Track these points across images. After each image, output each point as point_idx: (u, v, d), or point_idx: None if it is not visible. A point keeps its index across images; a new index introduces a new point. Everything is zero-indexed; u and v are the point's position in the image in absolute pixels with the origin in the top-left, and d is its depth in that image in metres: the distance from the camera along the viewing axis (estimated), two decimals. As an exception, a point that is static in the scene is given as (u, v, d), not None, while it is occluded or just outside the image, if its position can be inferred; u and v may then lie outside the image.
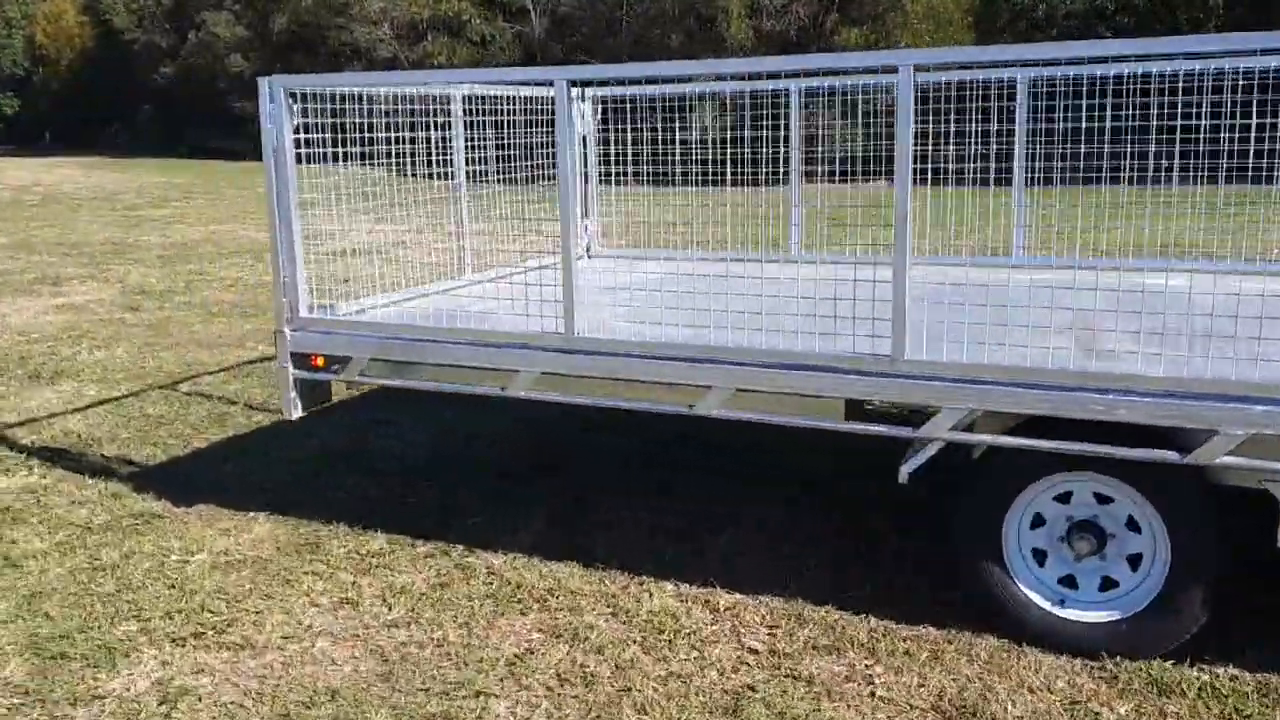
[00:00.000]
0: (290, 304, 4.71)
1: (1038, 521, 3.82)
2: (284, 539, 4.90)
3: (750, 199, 6.60)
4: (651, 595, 4.29)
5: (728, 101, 6.64)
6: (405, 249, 5.89)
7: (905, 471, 3.80)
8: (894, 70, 3.51)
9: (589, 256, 6.83)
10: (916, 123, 3.52)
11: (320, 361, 4.74)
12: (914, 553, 4.59)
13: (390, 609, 4.23)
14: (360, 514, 5.15)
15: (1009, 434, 3.64)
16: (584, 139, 6.72)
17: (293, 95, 4.52)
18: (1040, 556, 3.84)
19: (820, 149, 6.34)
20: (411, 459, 6.03)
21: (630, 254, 6.75)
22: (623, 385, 4.17)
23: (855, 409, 3.93)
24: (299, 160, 4.58)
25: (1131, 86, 5.32)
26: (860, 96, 6.09)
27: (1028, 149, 5.72)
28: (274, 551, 4.77)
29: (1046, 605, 3.80)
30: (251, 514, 5.19)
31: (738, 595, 4.27)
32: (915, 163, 3.55)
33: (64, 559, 4.71)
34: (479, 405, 6.75)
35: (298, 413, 4.81)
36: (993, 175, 5.82)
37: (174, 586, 4.43)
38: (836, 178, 6.49)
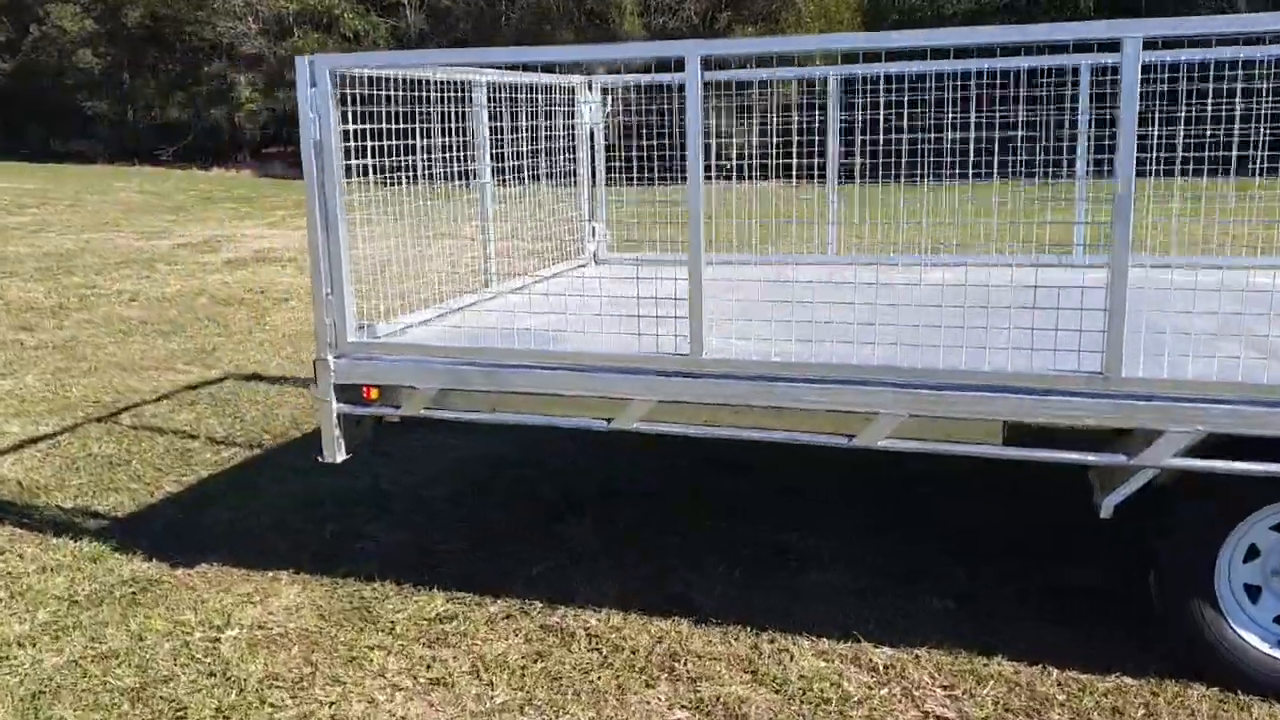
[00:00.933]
0: (335, 326, 3.95)
1: (1251, 554, 3.41)
2: (324, 604, 4.13)
3: (780, 194, 6.07)
4: (791, 655, 3.71)
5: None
6: (427, 255, 5.16)
7: (1109, 504, 3.33)
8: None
9: (595, 263, 6.20)
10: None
11: (374, 394, 3.99)
12: (1058, 586, 4.14)
13: (493, 688, 3.54)
14: (401, 568, 4.41)
15: (1235, 458, 3.20)
16: (592, 132, 6.10)
17: (338, 79, 3.78)
18: (1254, 593, 3.42)
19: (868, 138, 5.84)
20: (432, 496, 5.29)
21: (653, 258, 6.14)
22: (761, 413, 3.58)
23: (1016, 432, 3.45)
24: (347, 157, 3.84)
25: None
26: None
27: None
28: (318, 621, 4.01)
29: (1264, 647, 3.38)
30: (271, 573, 4.40)
31: (888, 649, 3.73)
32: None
33: (59, 643, 3.85)
34: (487, 430, 6.06)
35: (341, 455, 4.05)
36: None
37: (214, 675, 3.64)
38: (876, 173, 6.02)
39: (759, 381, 3.53)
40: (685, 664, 3.67)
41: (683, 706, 3.43)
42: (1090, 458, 3.31)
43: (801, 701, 3.44)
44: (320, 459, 4.06)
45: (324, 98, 3.77)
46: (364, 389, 3.99)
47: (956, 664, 3.62)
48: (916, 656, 3.68)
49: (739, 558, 4.44)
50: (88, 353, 8.55)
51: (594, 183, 6.17)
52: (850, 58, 6.25)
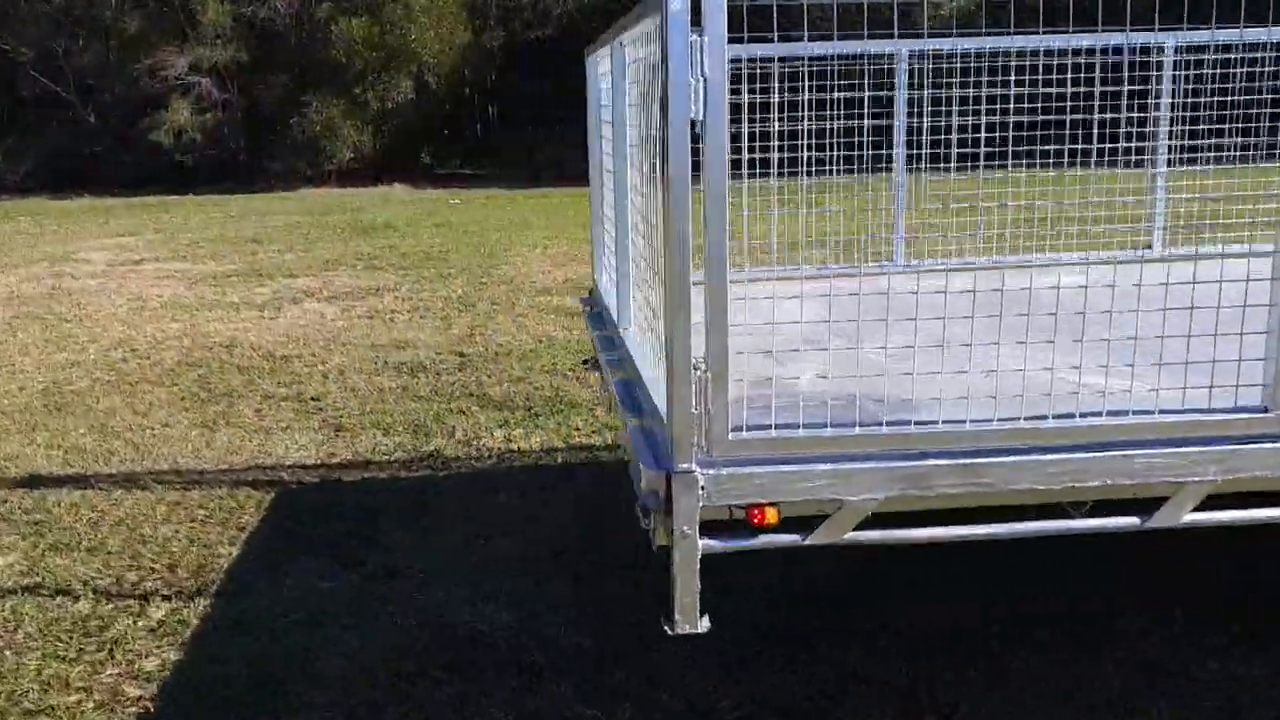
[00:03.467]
0: (704, 418, 2.46)
1: None
2: None
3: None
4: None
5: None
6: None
7: None
8: None
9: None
10: None
11: (771, 517, 2.54)
12: None
13: None
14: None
15: None
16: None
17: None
18: None
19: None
20: (520, 638, 3.75)
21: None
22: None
23: None
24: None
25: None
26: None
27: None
28: None
29: None
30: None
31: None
32: None
33: None
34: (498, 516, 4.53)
35: (704, 623, 2.56)
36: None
37: None
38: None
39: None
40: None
41: None
42: None
43: None
44: (672, 629, 2.54)
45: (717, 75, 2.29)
46: (752, 511, 2.54)
47: None
48: None
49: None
50: None
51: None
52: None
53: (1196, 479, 2.59)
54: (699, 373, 2.44)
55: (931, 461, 2.53)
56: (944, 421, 2.56)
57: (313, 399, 6.99)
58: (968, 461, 2.54)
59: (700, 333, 2.41)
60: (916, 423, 2.57)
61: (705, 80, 2.30)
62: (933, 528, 2.64)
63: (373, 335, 8.88)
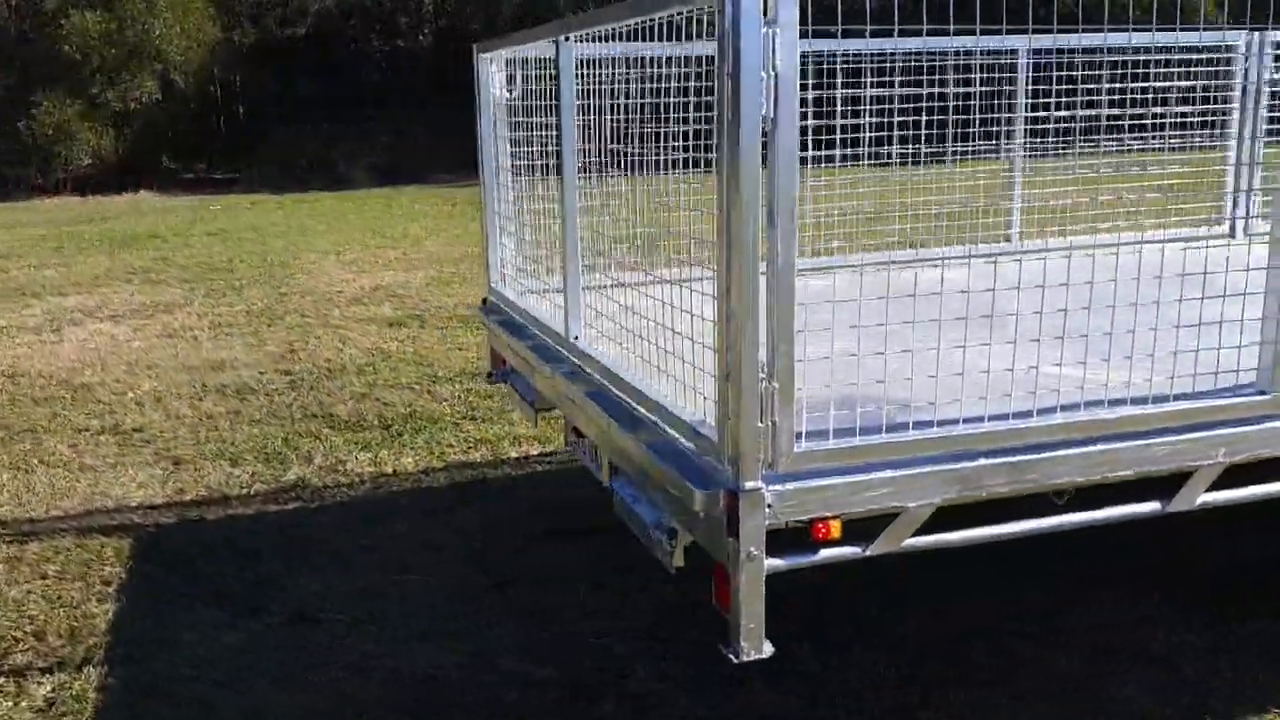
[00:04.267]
0: (772, 430, 2.33)
1: None
2: None
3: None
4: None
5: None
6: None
7: None
8: None
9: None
10: None
11: (835, 530, 2.43)
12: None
13: None
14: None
15: None
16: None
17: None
18: None
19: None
20: (479, 676, 3.51)
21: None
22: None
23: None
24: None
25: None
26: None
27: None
28: None
29: None
30: None
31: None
32: None
33: None
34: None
35: (768, 647, 2.42)
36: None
37: None
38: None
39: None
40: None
41: None
42: None
43: None
44: (738, 657, 2.40)
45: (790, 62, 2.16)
46: (816, 526, 2.42)
47: None
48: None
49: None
50: None
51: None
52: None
53: (1209, 461, 2.69)
54: (765, 384, 2.31)
55: (982, 461, 2.51)
56: (989, 418, 2.55)
57: (135, 430, 6.30)
58: (1016, 459, 2.53)
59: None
60: (964, 420, 2.54)
61: (777, 75, 2.18)
62: (969, 529, 2.62)
63: (180, 356, 8.13)
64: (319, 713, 3.31)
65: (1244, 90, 5.36)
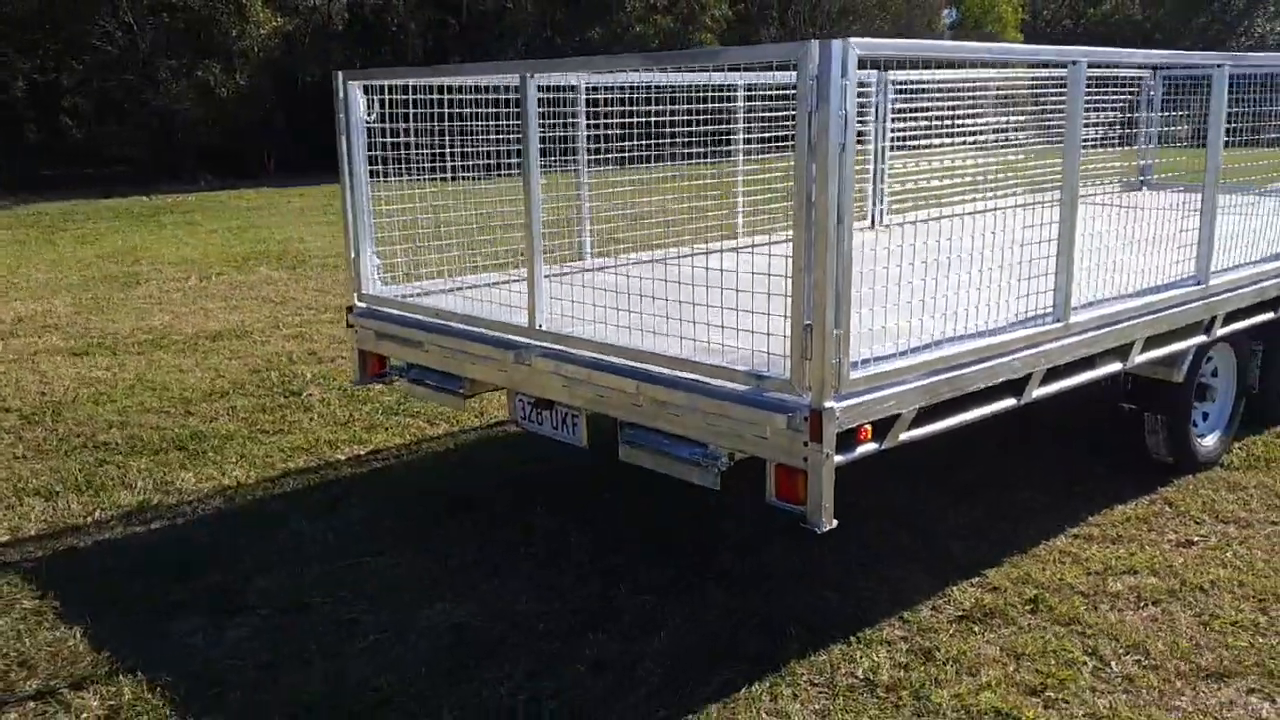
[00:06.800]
0: (840, 361, 3.30)
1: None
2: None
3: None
4: None
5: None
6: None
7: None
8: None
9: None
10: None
11: (869, 434, 3.45)
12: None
13: None
14: None
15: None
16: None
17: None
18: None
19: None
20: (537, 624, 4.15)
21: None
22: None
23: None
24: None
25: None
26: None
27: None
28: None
29: (1196, 441, 5.51)
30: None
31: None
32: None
33: None
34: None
35: (834, 521, 3.39)
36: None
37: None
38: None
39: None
40: None
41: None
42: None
43: None
44: (819, 528, 3.35)
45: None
46: (860, 430, 3.43)
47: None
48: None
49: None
50: None
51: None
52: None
53: (1039, 367, 4.05)
54: (834, 324, 3.27)
55: (938, 377, 3.66)
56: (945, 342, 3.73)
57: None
58: (952, 375, 3.71)
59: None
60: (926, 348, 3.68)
61: (847, 115, 3.16)
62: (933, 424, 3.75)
63: None
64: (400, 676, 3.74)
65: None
